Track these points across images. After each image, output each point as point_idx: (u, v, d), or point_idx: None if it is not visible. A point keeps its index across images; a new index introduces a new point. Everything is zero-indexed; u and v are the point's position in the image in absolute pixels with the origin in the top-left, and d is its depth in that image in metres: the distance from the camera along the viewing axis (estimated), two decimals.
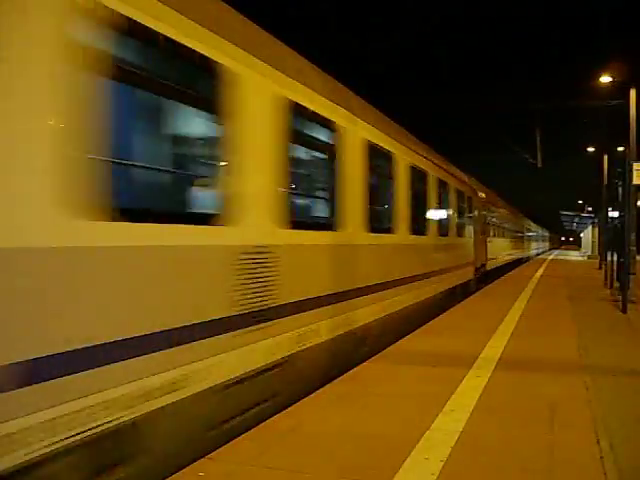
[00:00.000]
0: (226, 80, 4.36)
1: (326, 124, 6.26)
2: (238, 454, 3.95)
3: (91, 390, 3.17)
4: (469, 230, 15.91)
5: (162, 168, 4.53)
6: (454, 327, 9.63)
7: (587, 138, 34.92)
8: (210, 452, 3.98)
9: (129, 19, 3.49)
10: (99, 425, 3.22)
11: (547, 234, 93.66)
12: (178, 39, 3.90)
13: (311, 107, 5.82)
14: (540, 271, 26.86)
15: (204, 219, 4.24)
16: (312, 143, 6.35)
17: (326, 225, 6.39)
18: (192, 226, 4.08)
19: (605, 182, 31.74)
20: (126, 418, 3.41)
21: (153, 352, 3.61)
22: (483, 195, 19.39)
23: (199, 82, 4.34)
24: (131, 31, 3.53)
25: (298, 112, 5.49)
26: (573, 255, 59.73)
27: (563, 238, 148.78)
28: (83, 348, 3.12)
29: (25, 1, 2.87)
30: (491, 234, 21.67)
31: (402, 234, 9.12)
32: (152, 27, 3.68)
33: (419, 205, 10.32)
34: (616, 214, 17.11)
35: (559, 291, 16.57)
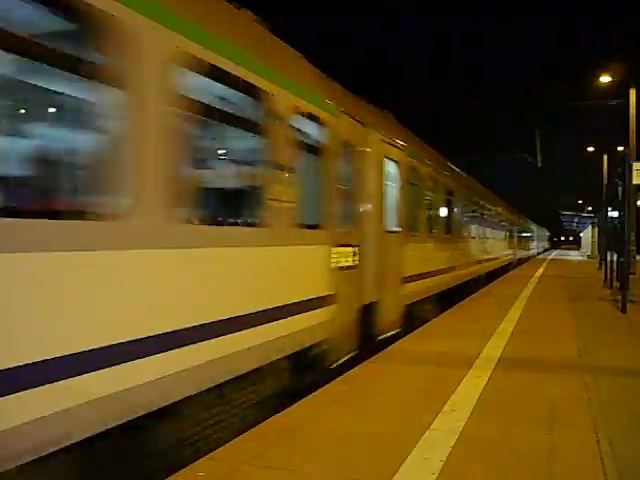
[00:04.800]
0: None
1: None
2: (238, 454, 3.95)
3: None
4: (347, 219, 7.02)
5: None
6: (454, 327, 9.62)
7: (587, 138, 34.98)
8: (210, 452, 3.99)
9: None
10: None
11: (547, 233, 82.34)
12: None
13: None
14: (540, 271, 26.86)
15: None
16: None
17: None
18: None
19: (605, 182, 31.75)
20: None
21: None
22: (399, 147, 9.15)
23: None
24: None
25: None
26: (573, 255, 59.70)
27: (563, 238, 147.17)
28: None
29: None
30: (432, 228, 11.83)
31: None
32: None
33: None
34: (616, 214, 17.11)
35: (559, 290, 16.57)
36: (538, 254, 57.11)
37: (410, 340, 8.33)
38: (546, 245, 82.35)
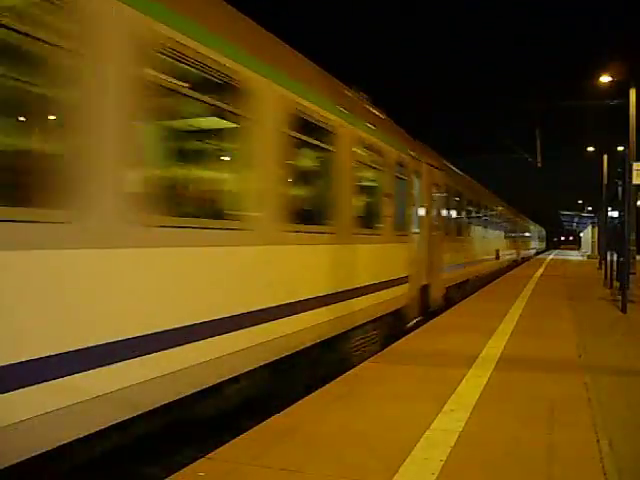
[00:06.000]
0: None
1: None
2: (238, 454, 3.95)
3: None
4: None
5: None
6: (454, 327, 9.62)
7: (587, 138, 34.99)
8: (210, 452, 3.99)
9: None
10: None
11: (540, 230, 63.39)
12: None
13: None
14: (540, 271, 26.87)
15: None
16: None
17: None
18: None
19: (605, 182, 31.77)
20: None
21: None
22: None
23: None
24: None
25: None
26: (573, 255, 59.62)
27: (563, 238, 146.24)
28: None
29: None
30: None
31: None
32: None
33: None
34: (616, 214, 17.11)
35: (559, 290, 16.57)
36: (523, 260, 36.85)
37: (410, 340, 8.33)
38: (540, 246, 64.64)
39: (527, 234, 42.82)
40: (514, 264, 30.58)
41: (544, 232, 74.08)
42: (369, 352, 7.84)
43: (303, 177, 6.71)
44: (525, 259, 38.80)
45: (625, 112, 19.83)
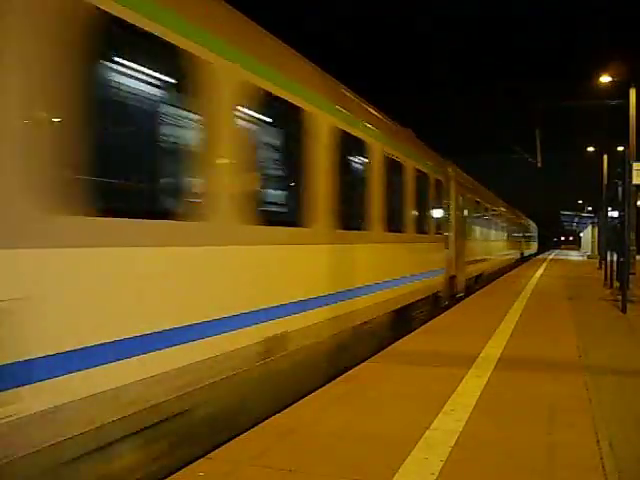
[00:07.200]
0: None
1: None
2: (238, 454, 3.95)
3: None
4: None
5: None
6: (454, 327, 9.63)
7: (587, 138, 34.99)
8: (210, 452, 3.99)
9: None
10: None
11: (528, 224, 48.70)
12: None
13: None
14: (540, 271, 26.89)
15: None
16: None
17: None
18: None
19: (605, 182, 31.79)
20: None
21: None
22: None
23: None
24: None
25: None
26: (573, 255, 59.63)
27: (563, 238, 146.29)
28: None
29: None
30: None
31: None
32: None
33: None
34: (616, 214, 17.11)
35: (559, 291, 16.58)
36: (490, 277, 20.98)
37: (410, 340, 8.34)
38: (528, 249, 48.95)
39: (498, 232, 25.63)
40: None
41: (535, 228, 57.77)
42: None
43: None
44: (495, 274, 22.80)
45: (625, 112, 19.84)
